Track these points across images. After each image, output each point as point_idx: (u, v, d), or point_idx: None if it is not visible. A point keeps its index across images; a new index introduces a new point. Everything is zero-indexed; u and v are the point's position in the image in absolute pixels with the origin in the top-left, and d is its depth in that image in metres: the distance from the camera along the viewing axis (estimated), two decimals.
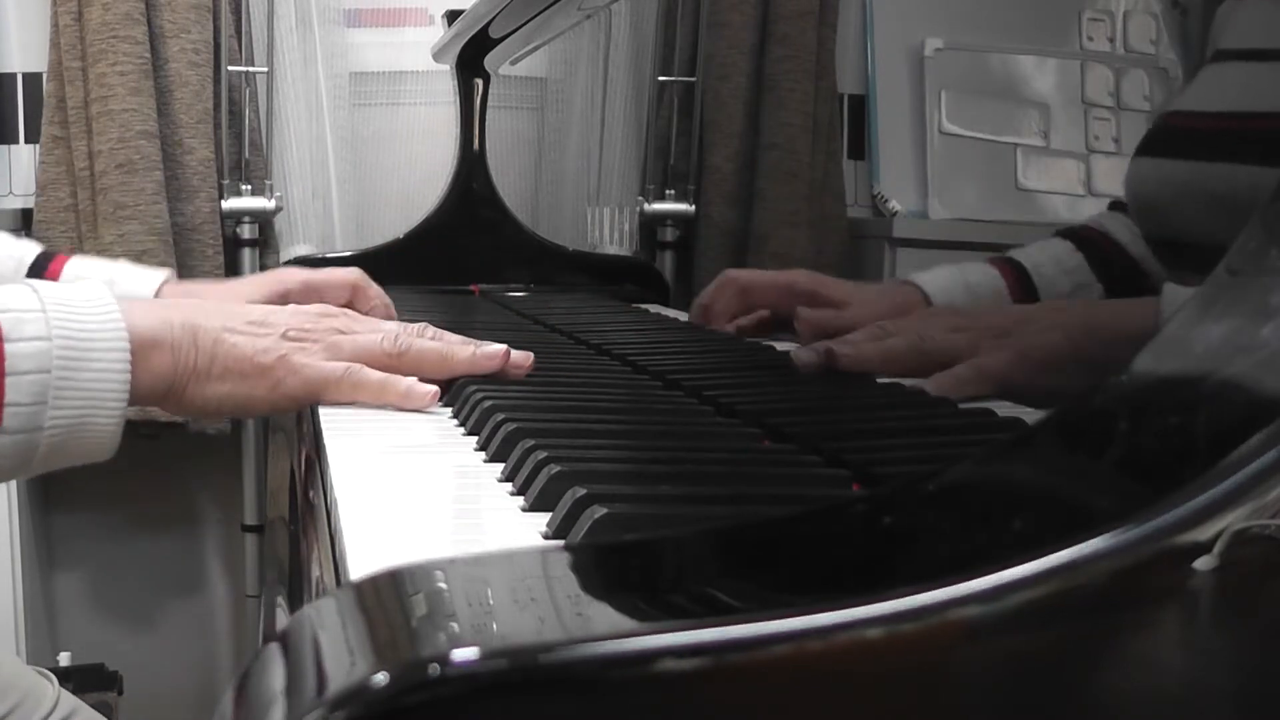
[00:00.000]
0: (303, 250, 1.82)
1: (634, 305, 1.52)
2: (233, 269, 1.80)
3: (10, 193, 1.81)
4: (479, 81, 1.66)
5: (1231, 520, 0.32)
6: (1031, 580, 0.32)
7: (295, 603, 1.04)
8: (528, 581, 0.35)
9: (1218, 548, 0.32)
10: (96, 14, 1.68)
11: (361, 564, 0.46)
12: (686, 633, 0.31)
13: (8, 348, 0.71)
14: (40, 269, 1.10)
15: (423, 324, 0.86)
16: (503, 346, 0.84)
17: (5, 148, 1.82)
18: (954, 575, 0.32)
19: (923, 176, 1.87)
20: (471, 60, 1.63)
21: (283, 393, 0.79)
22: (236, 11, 1.80)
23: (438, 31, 1.75)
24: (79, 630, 1.94)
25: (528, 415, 0.70)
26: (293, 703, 0.31)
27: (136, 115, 1.69)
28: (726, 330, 1.17)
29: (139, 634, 1.97)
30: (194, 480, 1.97)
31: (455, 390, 0.80)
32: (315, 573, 0.64)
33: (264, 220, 1.82)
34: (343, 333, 0.82)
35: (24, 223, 1.77)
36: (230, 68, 1.78)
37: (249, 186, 1.80)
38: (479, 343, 0.84)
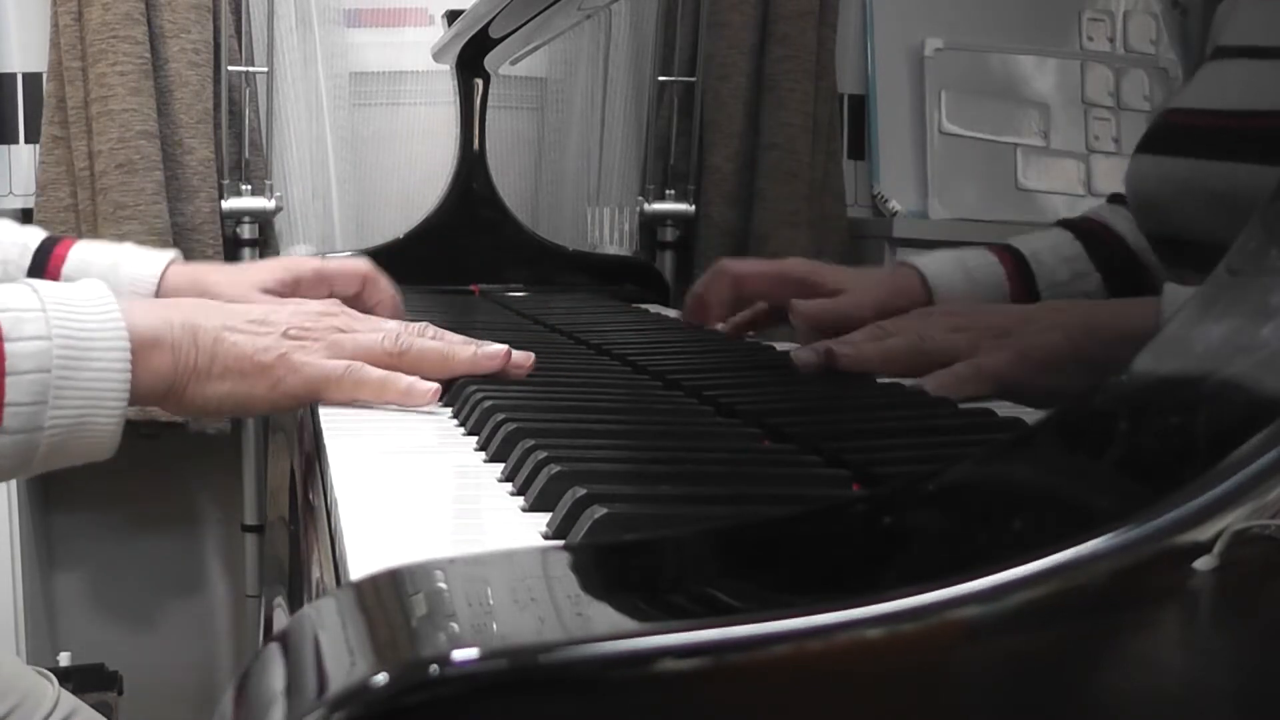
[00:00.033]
0: (303, 250, 1.82)
1: (634, 305, 1.52)
2: None
3: (10, 193, 1.81)
4: (479, 81, 1.66)
5: (1231, 520, 0.32)
6: (1031, 580, 0.32)
7: (295, 603, 1.04)
8: (528, 581, 0.35)
9: (1218, 548, 0.32)
10: (96, 14, 1.68)
11: (361, 564, 0.46)
12: (686, 633, 0.31)
13: (8, 347, 0.71)
14: (45, 254, 1.09)
15: (423, 323, 0.86)
16: (504, 347, 0.84)
17: (5, 148, 1.82)
18: (954, 575, 0.32)
19: (923, 176, 1.86)
20: (471, 60, 1.63)
21: (283, 391, 0.79)
22: (236, 11, 1.80)
23: (438, 31, 1.75)
24: (79, 630, 1.94)
25: (528, 415, 0.70)
26: (293, 703, 0.31)
27: (136, 115, 1.69)
28: (721, 328, 1.17)
29: (139, 634, 1.97)
30: (194, 480, 1.97)
31: (455, 390, 0.80)
32: (315, 573, 0.64)
33: (264, 220, 1.82)
34: (343, 331, 0.82)
35: (24, 223, 1.76)
36: (230, 68, 1.78)
37: (249, 186, 1.80)
38: (480, 342, 0.84)
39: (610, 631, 0.32)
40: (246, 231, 1.81)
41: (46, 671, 1.08)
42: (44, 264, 1.08)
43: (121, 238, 1.67)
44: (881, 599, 0.31)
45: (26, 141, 1.82)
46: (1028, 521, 0.35)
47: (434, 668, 0.30)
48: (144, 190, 1.69)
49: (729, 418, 0.73)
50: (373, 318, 0.89)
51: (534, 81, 1.92)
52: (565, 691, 0.30)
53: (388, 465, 0.67)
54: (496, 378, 0.83)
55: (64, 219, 1.74)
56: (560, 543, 0.50)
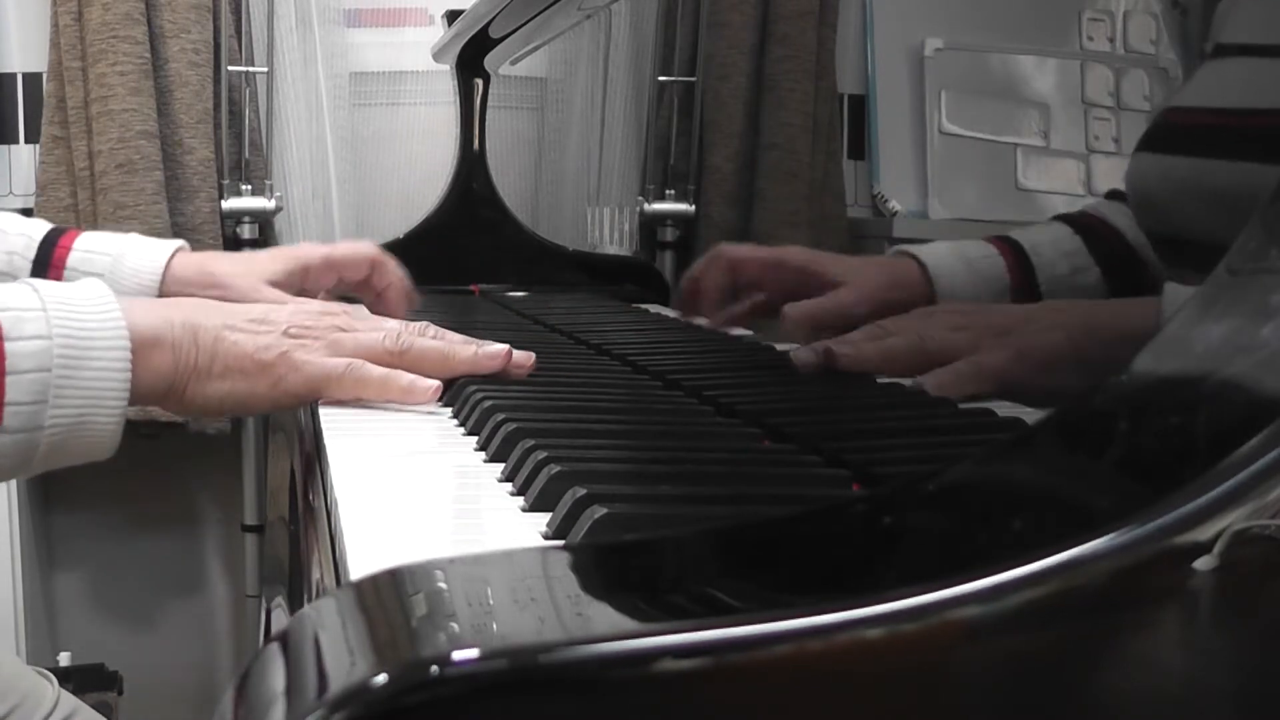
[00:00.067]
0: None
1: (634, 305, 1.52)
2: None
3: (10, 193, 1.81)
4: (479, 81, 1.66)
5: (1231, 520, 0.32)
6: (1031, 580, 0.32)
7: (295, 603, 1.04)
8: (528, 581, 0.35)
9: (1218, 548, 0.32)
10: (96, 14, 1.68)
11: (361, 564, 0.46)
12: (686, 633, 0.31)
13: (8, 346, 0.71)
14: (50, 245, 1.09)
15: (424, 323, 0.86)
16: (504, 346, 0.84)
17: (5, 148, 1.82)
18: (954, 575, 0.32)
19: (923, 176, 1.86)
20: (471, 60, 1.63)
21: (284, 389, 0.79)
22: (236, 11, 1.80)
23: (438, 31, 1.74)
24: (79, 630, 1.94)
25: (528, 415, 0.70)
26: (293, 703, 0.31)
27: (136, 115, 1.69)
28: (718, 317, 1.16)
29: (139, 634, 1.97)
30: (194, 480, 1.97)
31: (455, 390, 0.80)
32: (315, 573, 0.64)
33: (264, 220, 1.82)
34: (344, 330, 0.82)
35: None
36: (230, 68, 1.78)
37: (249, 186, 1.80)
38: (481, 342, 0.84)
39: (610, 631, 0.32)
40: (246, 231, 1.81)
41: (46, 671, 1.08)
42: (49, 255, 1.08)
43: None
44: (881, 599, 0.31)
45: (26, 141, 1.82)
46: (1028, 521, 0.35)
47: (434, 668, 0.30)
48: (144, 190, 1.69)
49: (729, 418, 0.73)
50: (374, 317, 0.89)
51: (534, 81, 1.92)
52: (565, 691, 0.30)
53: (388, 465, 0.67)
54: (497, 378, 0.83)
55: (64, 219, 1.74)
56: (560, 543, 0.50)
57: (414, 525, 0.55)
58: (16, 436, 0.71)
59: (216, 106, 1.77)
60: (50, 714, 1.03)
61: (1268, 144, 0.70)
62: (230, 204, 1.79)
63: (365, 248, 1.13)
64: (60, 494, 1.92)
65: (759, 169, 1.84)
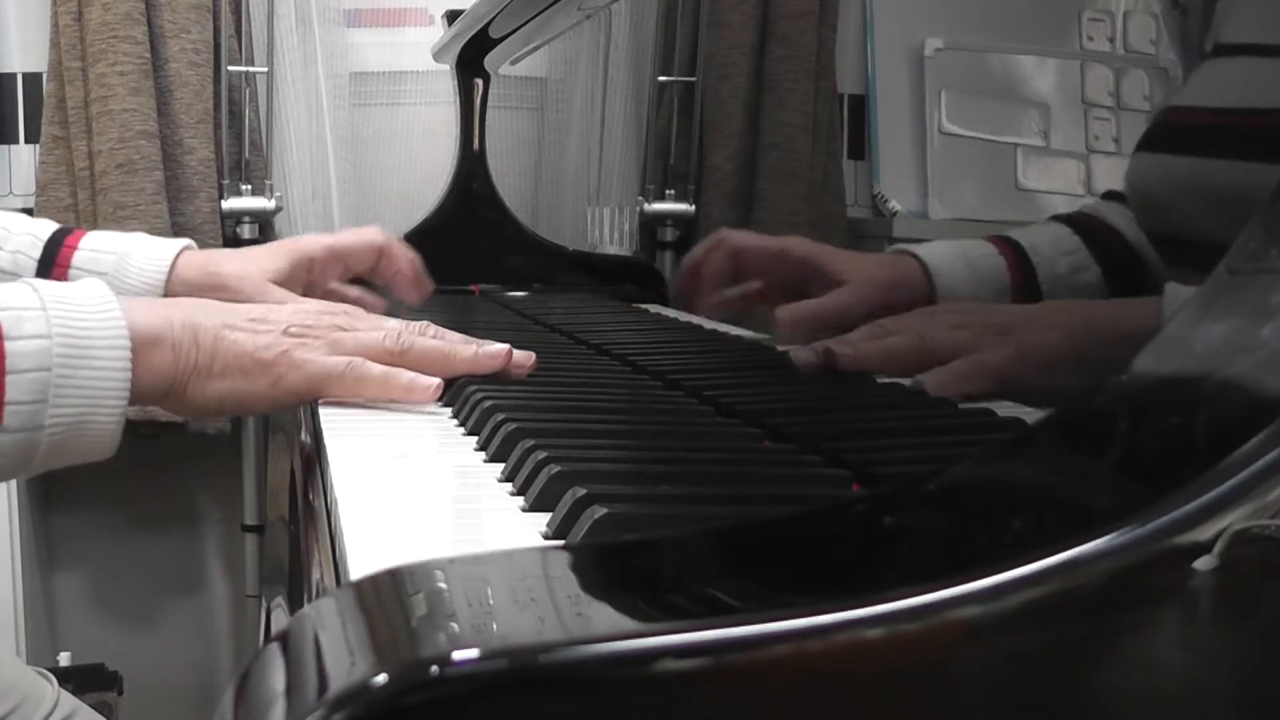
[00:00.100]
0: None
1: (634, 305, 1.52)
2: None
3: (10, 193, 1.81)
4: (479, 81, 1.66)
5: (1231, 520, 0.32)
6: (1031, 580, 0.32)
7: (295, 603, 1.04)
8: (528, 581, 0.35)
9: (1218, 548, 0.32)
10: (96, 14, 1.68)
11: (361, 564, 0.46)
12: (686, 633, 0.31)
13: (8, 345, 0.71)
14: (56, 244, 1.09)
15: (424, 322, 0.86)
16: (505, 346, 0.84)
17: (5, 148, 1.82)
18: (954, 575, 0.32)
19: (923, 176, 1.86)
20: (471, 60, 1.63)
21: (284, 388, 0.79)
22: (236, 11, 1.80)
23: (438, 31, 1.74)
24: (79, 630, 1.94)
25: (528, 415, 0.70)
26: (293, 703, 0.31)
27: (136, 115, 1.69)
28: (714, 300, 1.16)
29: (139, 634, 1.97)
30: (194, 480, 1.97)
31: (455, 390, 0.80)
32: (315, 573, 0.64)
33: (264, 220, 1.82)
34: (344, 329, 0.82)
35: None
36: (230, 68, 1.78)
37: (249, 186, 1.80)
38: (481, 342, 0.84)
39: (610, 631, 0.32)
40: (246, 231, 1.81)
41: (46, 672, 1.08)
42: (55, 254, 1.08)
43: None
44: (881, 599, 0.31)
45: (26, 141, 1.82)
46: (1028, 521, 0.35)
47: (434, 668, 0.30)
48: (144, 190, 1.69)
49: (729, 418, 0.73)
50: (374, 316, 0.89)
51: (534, 81, 1.92)
52: (565, 691, 0.30)
53: (388, 465, 0.67)
54: (497, 378, 0.83)
55: (64, 219, 1.73)
56: (560, 543, 0.50)
57: (414, 525, 0.55)
58: (16, 436, 0.71)
59: (216, 106, 1.77)
60: (50, 714, 1.03)
61: (1268, 144, 0.70)
62: (230, 204, 1.79)
63: (370, 234, 1.12)
64: (60, 494, 1.92)
65: (759, 169, 1.84)
